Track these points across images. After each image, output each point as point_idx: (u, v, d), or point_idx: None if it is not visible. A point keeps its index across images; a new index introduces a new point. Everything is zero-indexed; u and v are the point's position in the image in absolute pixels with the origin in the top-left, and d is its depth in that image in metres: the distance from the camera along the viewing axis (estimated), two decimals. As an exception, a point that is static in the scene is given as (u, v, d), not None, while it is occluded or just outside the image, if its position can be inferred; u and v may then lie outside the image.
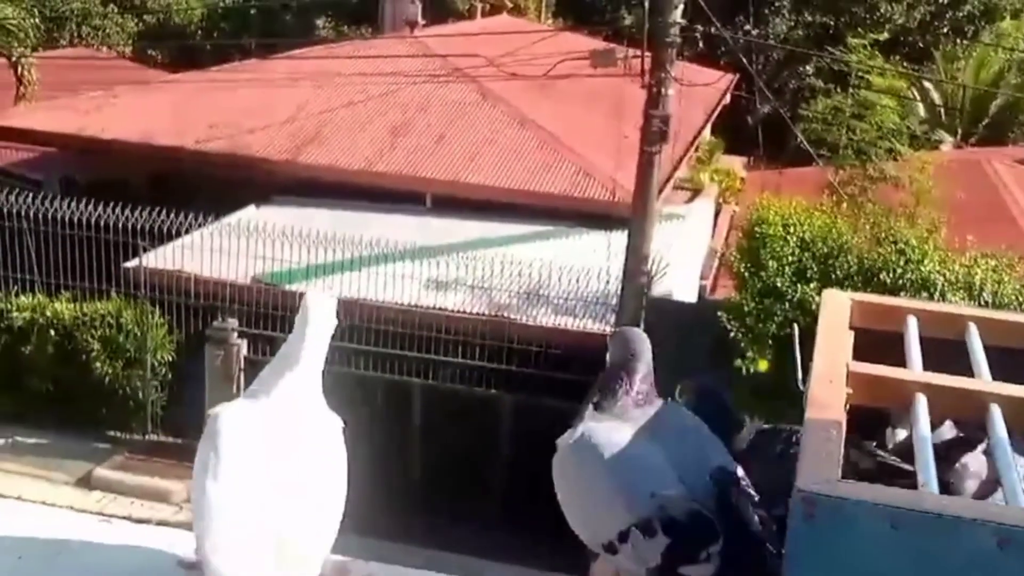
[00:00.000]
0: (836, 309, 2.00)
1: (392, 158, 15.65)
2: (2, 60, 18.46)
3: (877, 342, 1.89)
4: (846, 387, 1.65)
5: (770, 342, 10.31)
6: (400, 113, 16.69)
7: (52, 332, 12.26)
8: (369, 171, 15.34)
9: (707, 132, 20.32)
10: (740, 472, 1.69)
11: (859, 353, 1.82)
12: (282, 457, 1.88)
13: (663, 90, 11.60)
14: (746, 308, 10.49)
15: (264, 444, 1.89)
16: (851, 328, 1.93)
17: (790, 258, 10.69)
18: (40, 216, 12.67)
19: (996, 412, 1.59)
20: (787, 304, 10.33)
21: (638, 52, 12.62)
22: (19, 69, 17.86)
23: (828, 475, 1.37)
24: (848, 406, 1.61)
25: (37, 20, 19.59)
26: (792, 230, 10.92)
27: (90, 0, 26.42)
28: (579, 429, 1.78)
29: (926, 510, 1.28)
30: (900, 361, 1.81)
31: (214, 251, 12.30)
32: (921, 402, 1.62)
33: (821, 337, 1.83)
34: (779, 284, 10.47)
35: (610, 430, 1.73)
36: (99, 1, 26.88)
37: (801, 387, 1.82)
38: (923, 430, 1.54)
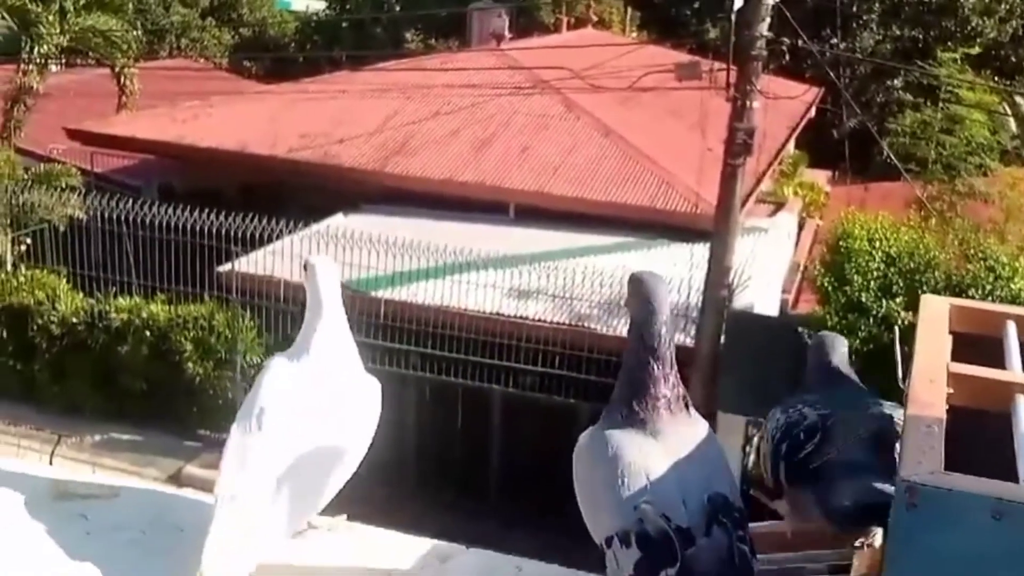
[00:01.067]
0: (935, 313, 2.06)
1: (477, 168, 15.87)
2: (106, 70, 19.15)
3: (975, 346, 1.95)
4: (946, 387, 1.71)
5: (854, 358, 10.20)
6: (486, 124, 16.92)
7: (147, 333, 12.68)
8: (454, 181, 15.58)
9: (791, 146, 20.17)
10: (737, 502, 1.71)
11: (957, 356, 1.88)
12: (314, 412, 2.06)
13: (748, 103, 11.56)
14: (829, 323, 10.39)
15: (299, 399, 2.07)
16: (950, 332, 1.99)
17: (875, 273, 10.57)
18: (138, 221, 13.14)
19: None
20: (871, 319, 10.22)
21: (723, 65, 12.59)
22: (122, 79, 18.51)
23: (931, 466, 1.44)
24: (948, 405, 1.68)
25: (139, 32, 20.29)
26: (878, 245, 10.80)
27: (189, 13, 27.28)
28: (600, 430, 1.79)
29: (1027, 501, 1.34)
30: (997, 364, 1.87)
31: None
32: (1021, 402, 1.68)
33: (920, 339, 1.90)
34: (863, 299, 10.37)
35: (623, 437, 1.73)
36: (198, 14, 27.75)
37: (902, 386, 1.89)
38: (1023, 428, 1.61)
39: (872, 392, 2.22)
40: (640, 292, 1.83)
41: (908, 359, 1.88)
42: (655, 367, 1.77)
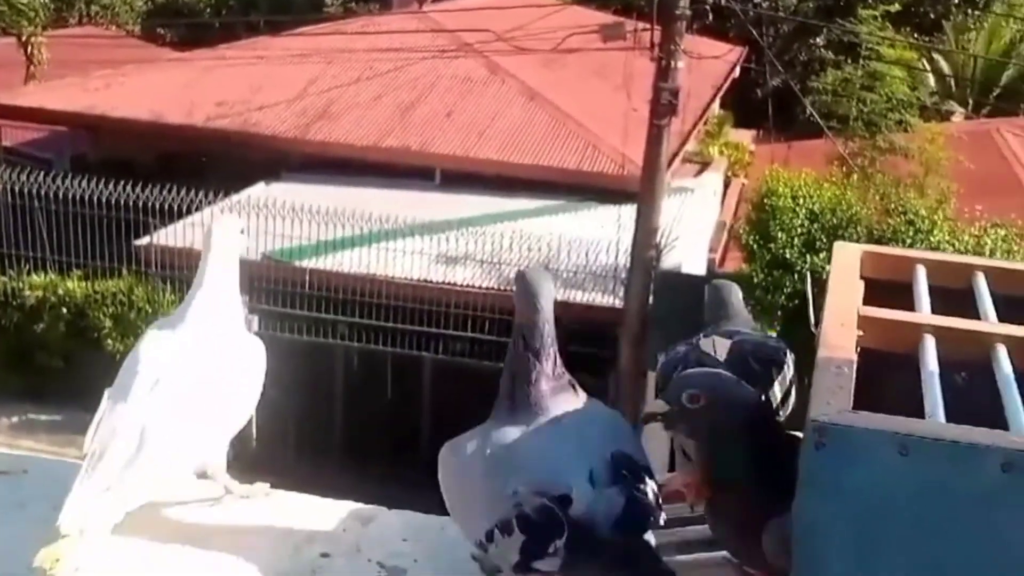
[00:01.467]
0: (847, 260, 2.02)
1: (401, 134, 15.66)
2: (12, 39, 18.48)
3: (887, 290, 1.91)
4: (857, 330, 1.67)
5: (779, 313, 10.33)
6: (409, 89, 16.68)
7: (64, 310, 12.34)
8: (378, 147, 15.35)
9: (716, 105, 20.26)
10: (642, 459, 1.67)
11: (869, 301, 1.84)
12: (188, 374, 2.03)
13: (672, 63, 11.55)
14: (755, 280, 10.51)
15: (172, 363, 2.04)
16: (862, 278, 1.96)
17: (799, 230, 10.70)
18: (51, 195, 12.73)
19: (1002, 351, 1.62)
20: (796, 275, 10.34)
21: (647, 25, 12.56)
22: (29, 48, 17.90)
23: (839, 406, 1.40)
24: (859, 348, 1.64)
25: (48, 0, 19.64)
26: (801, 202, 10.93)
27: (98, -22, 26.50)
28: (476, 430, 1.75)
29: (934, 436, 1.31)
30: (908, 307, 1.84)
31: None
32: (929, 342, 1.65)
33: (832, 285, 1.86)
34: (788, 256, 10.49)
35: (499, 432, 1.69)
36: (109, -22, 26.96)
37: (815, 330, 1.84)
38: (931, 367, 1.57)
39: (762, 332, 2.23)
40: (525, 290, 1.77)
41: (820, 306, 1.84)
42: (537, 364, 1.72)
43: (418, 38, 17.44)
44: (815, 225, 10.73)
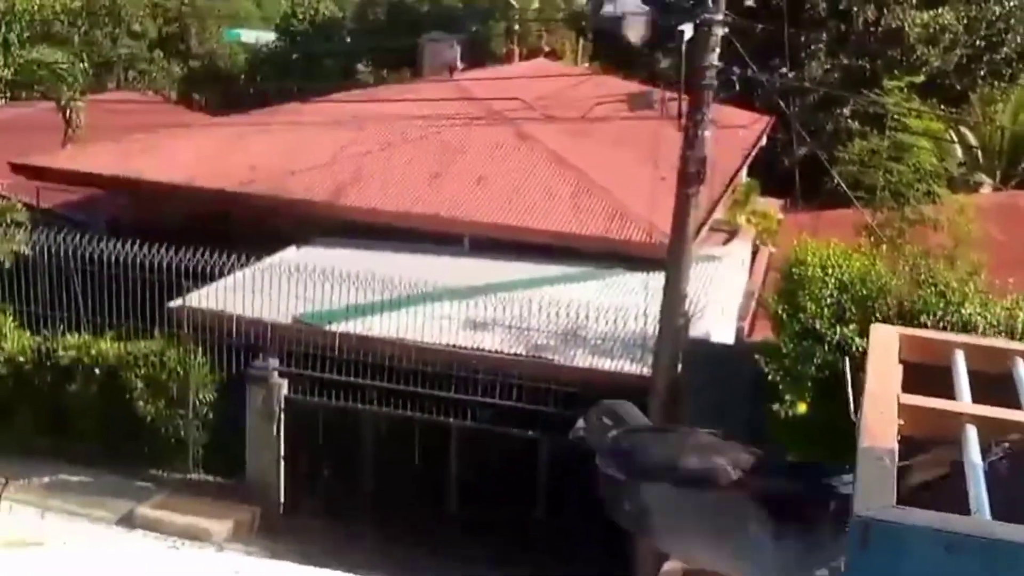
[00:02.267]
0: (885, 343, 2.05)
1: (431, 200, 15.83)
2: (51, 103, 18.89)
3: (925, 374, 1.94)
4: (897, 418, 1.70)
5: (809, 384, 10.25)
6: (439, 155, 16.89)
7: (96, 371, 12.45)
8: (408, 213, 15.52)
9: (743, 174, 20.37)
10: None
11: (908, 386, 1.87)
12: None
13: (699, 133, 11.65)
14: (784, 350, 10.45)
15: None
16: (900, 361, 1.99)
17: (828, 300, 10.65)
18: (86, 256, 12.92)
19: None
20: (826, 346, 10.27)
21: (674, 95, 12.69)
22: (67, 112, 18.28)
23: (883, 501, 1.42)
24: (899, 436, 1.66)
25: (85, 65, 20.05)
26: (830, 272, 10.89)
27: (137, 45, 27.06)
28: None
29: (981, 534, 1.33)
30: (947, 393, 1.86)
31: (256, 291, 12.49)
32: (971, 433, 1.67)
33: (871, 370, 1.89)
34: (818, 326, 10.43)
35: None
36: (146, 46, 27.55)
37: (854, 418, 1.87)
38: (974, 459, 1.59)
39: None
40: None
41: (859, 391, 1.86)
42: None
43: (448, 105, 17.70)
44: (845, 296, 10.67)
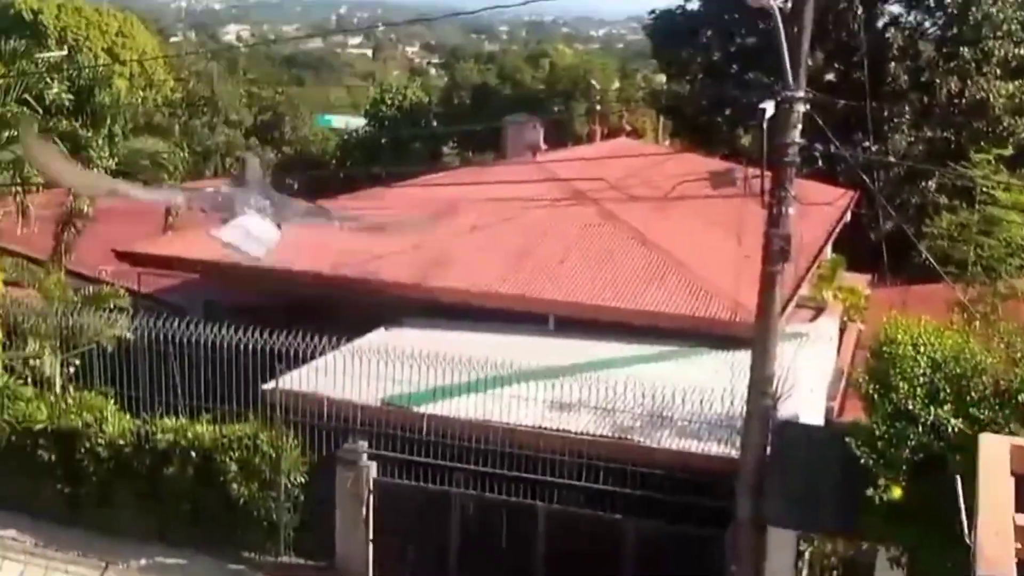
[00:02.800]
0: (995, 456, 2.08)
1: (516, 280, 16.02)
2: (152, 192, 19.67)
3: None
4: (1014, 541, 1.71)
5: (903, 468, 10.03)
6: (523, 236, 17.13)
7: (192, 453, 12.74)
8: (493, 293, 15.72)
9: (828, 249, 20.20)
10: None
11: (1022, 502, 1.88)
12: None
13: (783, 210, 11.60)
14: (877, 432, 10.26)
15: None
16: (1012, 474, 2.00)
17: (921, 379, 10.44)
18: (184, 340, 13.34)
19: None
20: (920, 428, 10.07)
21: (756, 172, 12.71)
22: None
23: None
24: (1018, 559, 1.68)
25: (185, 153, 20.91)
26: (922, 350, 10.70)
27: (233, 133, 28.16)
28: None
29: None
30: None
31: (346, 373, 12.73)
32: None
33: (983, 488, 1.91)
34: (911, 407, 10.23)
35: None
36: (242, 134, 28.67)
37: (968, 541, 1.90)
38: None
39: None
40: None
41: (971, 509, 1.89)
42: None
43: (532, 187, 17.98)
44: (938, 375, 10.47)
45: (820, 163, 20.88)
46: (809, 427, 12.22)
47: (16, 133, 17.72)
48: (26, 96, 18.39)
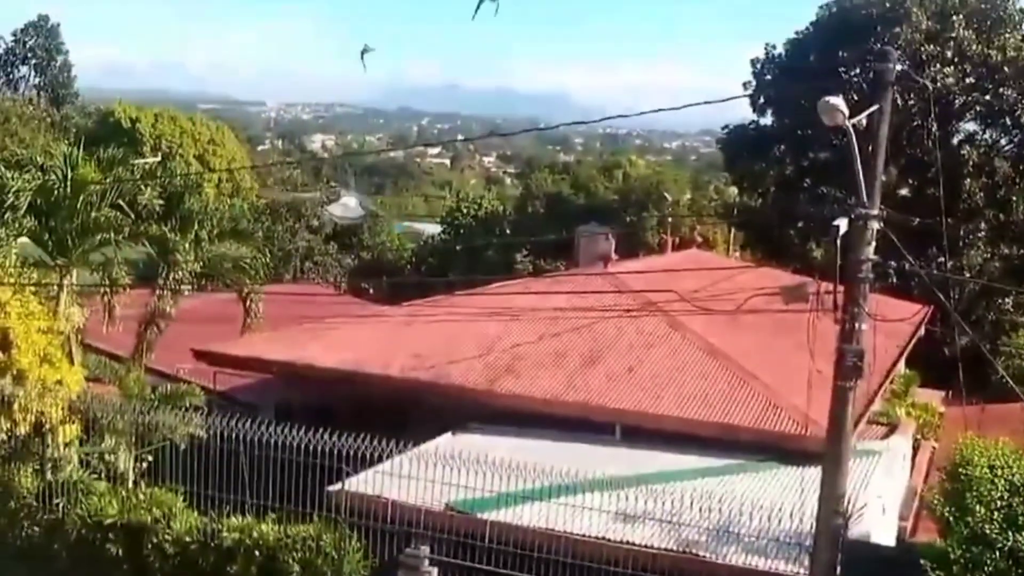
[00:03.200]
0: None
1: (583, 388, 16.05)
2: (233, 294, 20.27)
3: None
4: None
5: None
6: (592, 345, 17.21)
7: (257, 552, 12.81)
8: (560, 401, 15.76)
9: (902, 364, 19.86)
10: None
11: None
12: None
13: (856, 325, 11.52)
14: (952, 556, 9.97)
15: None
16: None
17: (999, 503, 10.17)
18: (254, 440, 13.56)
19: None
20: (997, 553, 9.77)
21: (829, 286, 12.63)
22: (247, 302, 19.59)
23: None
24: None
25: (267, 258, 21.53)
26: (1000, 472, 10.45)
27: (314, 238, 28.99)
28: None
29: None
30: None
31: (411, 477, 12.79)
32: None
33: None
34: (988, 531, 9.94)
35: None
36: (322, 239, 29.48)
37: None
38: None
39: None
40: None
41: None
42: None
43: (602, 297, 18.11)
44: (1016, 499, 10.19)
45: (894, 279, 20.66)
46: (881, 547, 11.89)
47: (108, 236, 18.52)
48: (119, 201, 19.22)
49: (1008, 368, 14.70)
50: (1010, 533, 9.86)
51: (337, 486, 13.01)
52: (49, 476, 14.26)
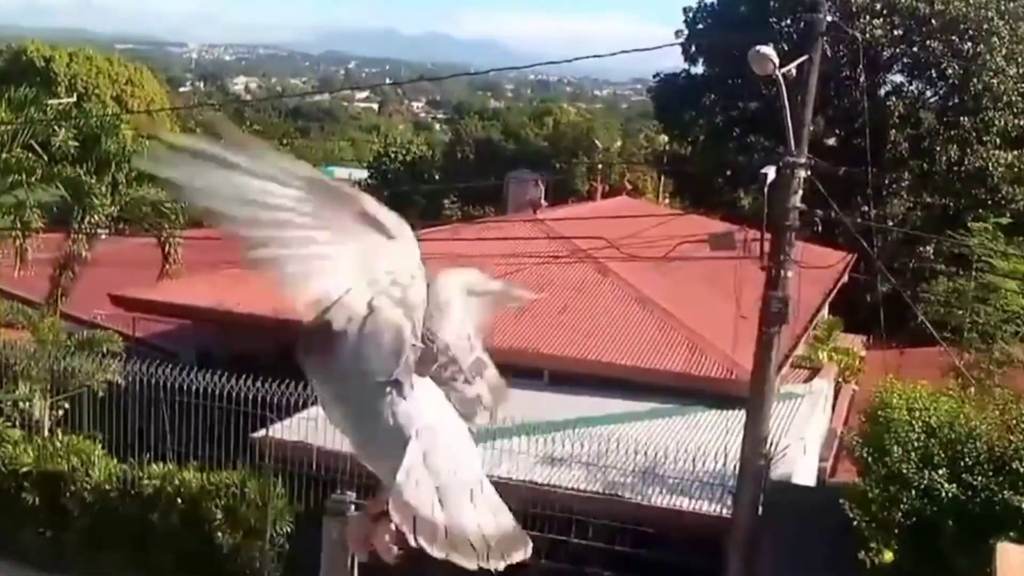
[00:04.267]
0: (1013, 567, 2.03)
1: (513, 333, 15.98)
2: (152, 239, 19.77)
3: None
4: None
5: (896, 532, 9.92)
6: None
7: (179, 500, 12.61)
8: (489, 346, 15.66)
9: (825, 311, 20.20)
10: None
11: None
12: None
13: (783, 272, 11.63)
14: (870, 495, 10.17)
15: None
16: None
17: (916, 444, 10.39)
18: (175, 387, 13.28)
19: None
20: (913, 492, 9.98)
21: (756, 234, 12.74)
22: (166, 247, 19.11)
23: None
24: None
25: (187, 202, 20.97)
26: (917, 414, 10.66)
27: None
28: None
29: None
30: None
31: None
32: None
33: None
34: (905, 470, 10.15)
35: None
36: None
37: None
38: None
39: None
40: None
41: None
42: None
43: (532, 244, 18.02)
44: (932, 440, 10.40)
45: (819, 227, 20.92)
46: (802, 488, 12.12)
47: (19, 178, 17.86)
48: (32, 142, 18.54)
49: (927, 314, 14.97)
50: (926, 472, 10.08)
51: (261, 433, 12.83)
52: (-41, 425, 13.81)
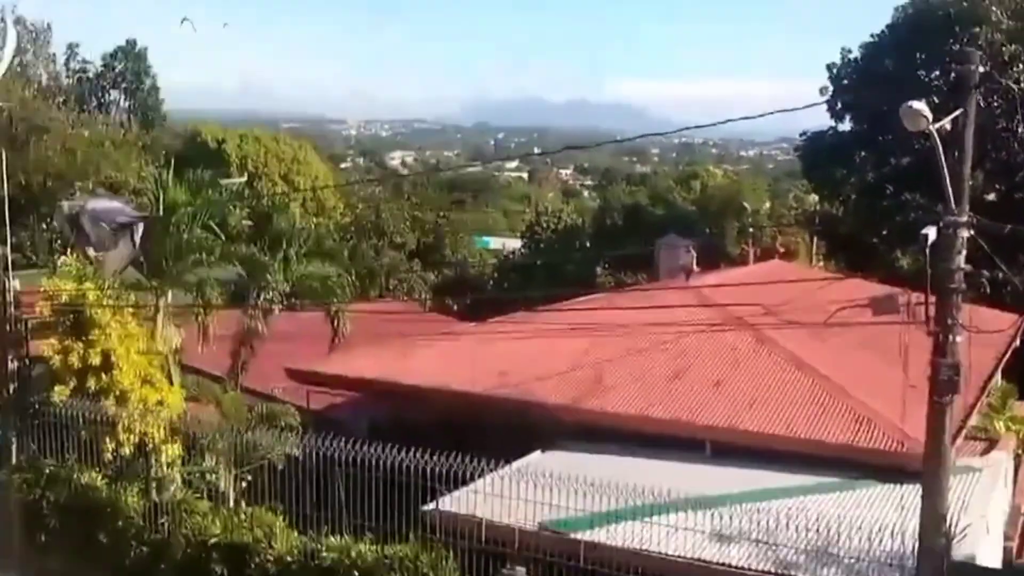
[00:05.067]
0: None
1: (670, 404, 15.99)
2: (321, 312, 20.68)
3: None
4: None
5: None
6: (677, 360, 17.14)
7: (356, 573, 12.95)
8: (648, 417, 15.72)
9: (998, 377, 19.38)
10: None
11: None
12: None
13: (950, 337, 11.30)
14: (1062, 577, 9.72)
15: None
16: None
17: (1109, 523, 9.90)
18: (349, 459, 13.77)
19: None
20: (1110, 575, 9.50)
21: (919, 297, 12.38)
22: (335, 321, 19.97)
23: None
24: None
25: (352, 276, 21.94)
26: (1109, 491, 10.17)
27: (397, 256, 29.47)
28: None
29: None
30: None
31: (504, 496, 12.87)
32: None
33: None
34: (1098, 552, 9.69)
35: None
36: (405, 256, 29.95)
37: None
38: None
39: None
40: None
41: None
42: None
43: (686, 312, 18.01)
44: None
45: (986, 288, 20.12)
46: (988, 570, 11.61)
47: (200, 257, 19.03)
48: (210, 222, 19.74)
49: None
50: (1123, 555, 9.60)
51: (431, 505, 13.14)
52: (154, 496, 14.65)
